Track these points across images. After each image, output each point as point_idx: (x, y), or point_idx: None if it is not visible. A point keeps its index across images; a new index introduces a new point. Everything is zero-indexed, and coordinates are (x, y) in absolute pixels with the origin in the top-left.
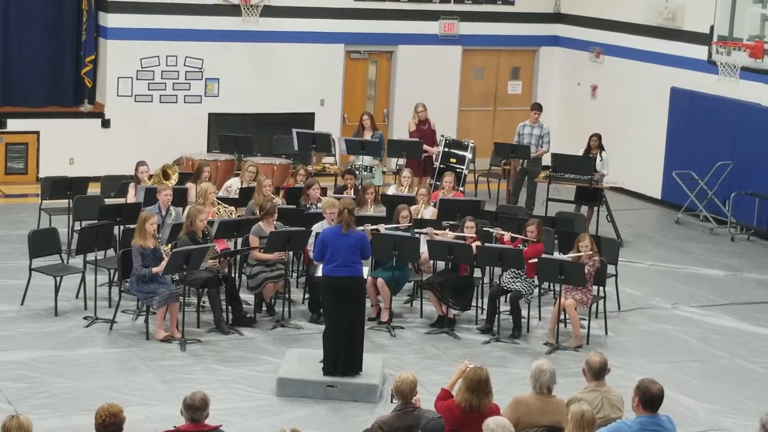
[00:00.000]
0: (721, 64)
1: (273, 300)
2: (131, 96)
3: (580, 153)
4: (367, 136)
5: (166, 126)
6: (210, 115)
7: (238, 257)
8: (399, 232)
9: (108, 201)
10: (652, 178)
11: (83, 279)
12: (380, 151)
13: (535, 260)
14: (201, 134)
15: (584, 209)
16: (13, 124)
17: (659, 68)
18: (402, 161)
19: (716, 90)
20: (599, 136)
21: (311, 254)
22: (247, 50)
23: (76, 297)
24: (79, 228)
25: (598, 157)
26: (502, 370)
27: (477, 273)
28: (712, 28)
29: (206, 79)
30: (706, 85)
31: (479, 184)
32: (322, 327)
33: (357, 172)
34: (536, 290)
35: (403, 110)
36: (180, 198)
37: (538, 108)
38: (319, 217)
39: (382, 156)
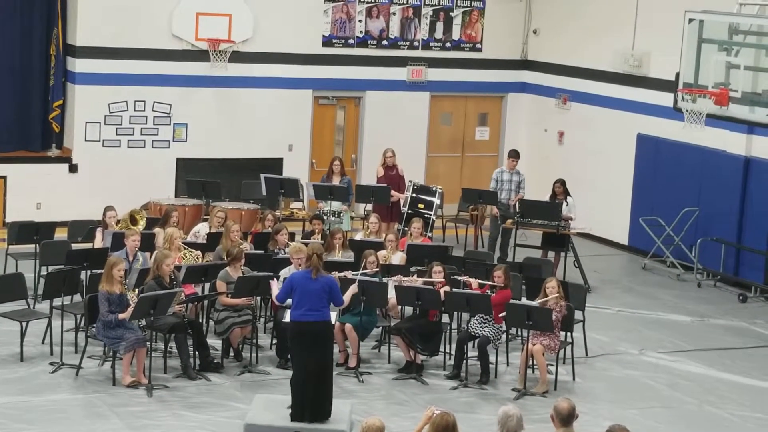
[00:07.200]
0: (687, 111)
1: (240, 345)
2: (99, 141)
3: (546, 199)
4: (336, 181)
5: (134, 171)
6: (178, 160)
7: (206, 302)
8: (367, 278)
9: (75, 246)
10: (619, 224)
11: (49, 324)
12: (348, 196)
13: (504, 315)
14: (169, 179)
15: (551, 255)
16: None
17: (625, 115)
18: (370, 207)
19: (682, 137)
20: (563, 182)
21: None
22: (215, 95)
23: (42, 342)
24: (45, 273)
25: (564, 203)
26: (470, 416)
27: (445, 318)
28: (677, 75)
29: (174, 124)
30: (672, 131)
31: (447, 229)
32: (290, 372)
33: (325, 218)
34: (504, 336)
35: (371, 156)
36: (147, 243)
37: (515, 155)
38: (286, 262)
39: (350, 201)
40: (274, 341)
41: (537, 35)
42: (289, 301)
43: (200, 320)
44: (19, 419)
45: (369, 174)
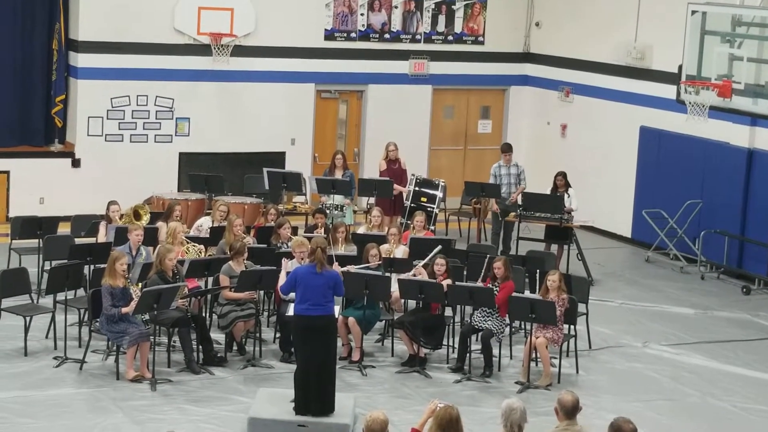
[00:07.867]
0: (690, 103)
1: (244, 339)
2: (102, 135)
3: (547, 192)
4: (339, 174)
5: (137, 165)
6: (181, 154)
7: (209, 297)
8: (370, 271)
9: (78, 240)
10: (622, 216)
11: (53, 319)
12: (351, 190)
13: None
14: (172, 173)
15: (554, 248)
16: None
17: (628, 107)
18: (372, 200)
19: (685, 129)
20: (564, 174)
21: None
22: (217, 90)
23: (46, 337)
24: (49, 267)
25: (566, 195)
26: (473, 409)
27: (448, 311)
28: (680, 67)
29: (177, 118)
30: (675, 124)
31: (450, 222)
32: (294, 366)
33: (328, 211)
34: (507, 329)
35: (373, 149)
36: (151, 237)
37: (508, 149)
38: (289, 256)
39: (353, 195)
40: (278, 335)
41: (539, 28)
42: (293, 294)
43: (203, 314)
44: (23, 413)
45: (371, 167)
